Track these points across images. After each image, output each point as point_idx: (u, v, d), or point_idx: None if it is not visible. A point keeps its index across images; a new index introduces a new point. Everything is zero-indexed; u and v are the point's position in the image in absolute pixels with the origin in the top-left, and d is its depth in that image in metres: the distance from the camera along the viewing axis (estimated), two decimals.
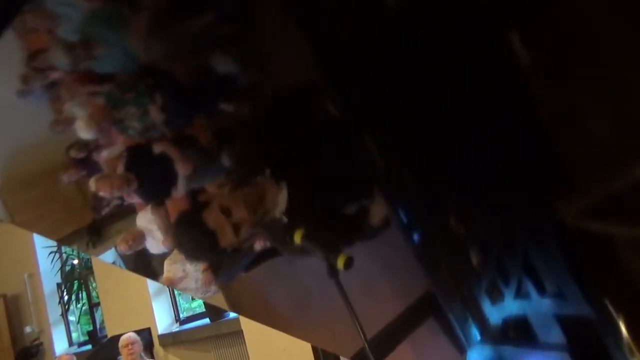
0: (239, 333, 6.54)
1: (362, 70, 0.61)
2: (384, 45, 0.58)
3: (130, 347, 4.65)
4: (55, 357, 6.79)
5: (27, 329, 8.88)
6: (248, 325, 6.33)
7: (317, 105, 0.70)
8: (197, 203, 0.81)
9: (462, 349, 0.85)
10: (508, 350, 0.68)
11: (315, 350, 3.29)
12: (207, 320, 7.15)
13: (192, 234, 0.79)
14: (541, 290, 0.59)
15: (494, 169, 0.59)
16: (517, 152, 0.56)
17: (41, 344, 8.79)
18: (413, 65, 0.59)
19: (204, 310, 7.35)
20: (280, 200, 0.73)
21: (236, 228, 0.76)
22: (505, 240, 0.62)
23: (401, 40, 0.57)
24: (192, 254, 0.85)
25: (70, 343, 8.93)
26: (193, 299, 7.70)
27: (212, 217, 0.76)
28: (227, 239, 0.76)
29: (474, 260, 0.67)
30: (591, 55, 0.53)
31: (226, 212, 0.75)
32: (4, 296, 9.01)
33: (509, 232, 0.60)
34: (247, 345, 6.42)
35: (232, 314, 6.88)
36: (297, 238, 0.71)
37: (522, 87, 0.54)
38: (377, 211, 0.73)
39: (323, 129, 0.71)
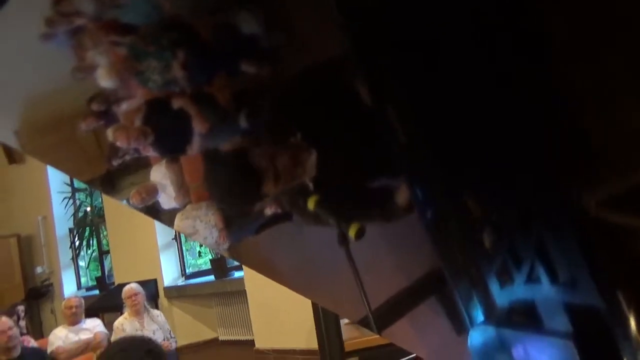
0: (242, 293, 6.67)
1: (391, 42, 0.59)
2: (417, 17, 0.57)
3: (133, 297, 4.76)
4: (64, 298, 7.00)
5: (38, 269, 9.15)
6: (252, 286, 6.45)
7: (343, 76, 0.69)
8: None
9: (460, 329, 0.85)
10: (511, 333, 0.68)
11: (316, 315, 3.34)
12: (212, 278, 7.30)
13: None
14: (553, 277, 0.59)
15: (517, 152, 0.58)
16: (542, 136, 0.55)
17: (51, 284, 9.07)
18: (443, 42, 0.57)
19: (209, 267, 7.50)
20: (309, 166, 0.71)
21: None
22: (521, 224, 0.61)
23: (433, 15, 0.55)
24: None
25: (79, 286, 9.20)
26: (200, 255, 7.84)
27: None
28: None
29: (487, 241, 0.67)
30: (627, 39, 0.51)
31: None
32: (18, 236, 9.25)
33: (526, 216, 0.59)
34: (250, 305, 6.56)
35: (237, 274, 7.01)
36: (311, 204, 0.71)
37: (552, 69, 0.52)
38: (400, 193, 0.72)
39: (347, 100, 0.69)
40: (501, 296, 0.68)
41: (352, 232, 0.72)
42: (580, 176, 0.53)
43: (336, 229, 0.74)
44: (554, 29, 0.53)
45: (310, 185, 0.71)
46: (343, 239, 0.73)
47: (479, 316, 0.74)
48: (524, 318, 0.67)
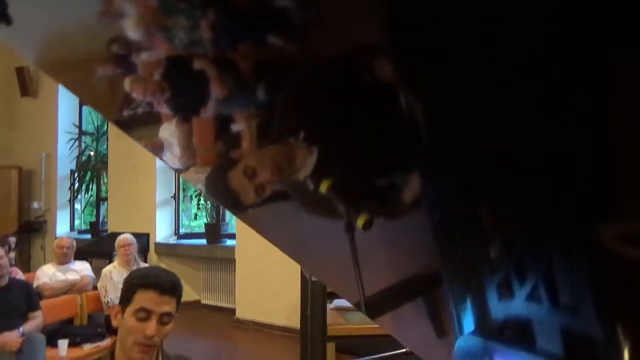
0: (232, 261, 6.73)
1: (435, 39, 0.58)
2: (467, 20, 0.55)
3: (127, 247, 4.81)
4: (56, 237, 7.07)
5: (35, 205, 9.24)
6: (242, 256, 6.51)
7: (373, 66, 0.67)
8: (226, 161, 0.82)
9: (441, 333, 0.86)
10: (499, 347, 0.68)
11: (303, 294, 3.36)
12: (204, 242, 7.36)
13: (217, 192, 0.81)
14: (555, 299, 0.58)
15: (542, 171, 0.57)
16: (572, 160, 0.54)
17: (45, 221, 9.16)
18: (485, 44, 0.56)
19: (203, 231, 7.55)
20: (308, 164, 0.72)
21: (259, 189, 0.77)
22: (533, 243, 0.60)
23: (482, 21, 0.53)
24: (222, 205, 0.88)
25: (72, 228, 9.29)
26: (196, 218, 7.89)
27: (235, 179, 0.77)
28: (248, 199, 0.78)
29: (493, 252, 0.66)
30: None
31: (251, 174, 0.76)
32: (19, 168, 9.32)
33: (540, 236, 0.59)
34: (237, 274, 6.62)
35: (229, 242, 7.06)
36: (324, 187, 0.71)
37: (595, 94, 0.51)
38: (415, 190, 0.72)
39: (371, 91, 0.68)
40: (497, 309, 0.68)
41: (360, 222, 0.72)
42: (603, 206, 0.53)
43: (344, 216, 0.74)
44: (603, 70, 0.52)
45: (327, 169, 0.71)
46: (350, 227, 0.73)
47: (469, 325, 0.74)
48: (516, 335, 0.67)
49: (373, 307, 0.84)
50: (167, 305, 1.55)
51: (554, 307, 0.59)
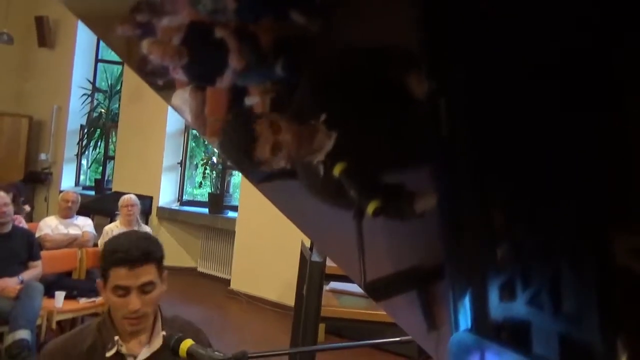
0: (231, 233, 6.77)
1: (458, 30, 0.57)
2: (491, 14, 0.53)
3: (129, 208, 4.85)
4: (61, 191, 7.11)
5: (42, 156, 9.29)
6: (242, 230, 6.54)
7: (398, 55, 0.66)
8: (253, 110, 0.81)
9: (433, 326, 0.86)
10: (494, 348, 0.68)
11: (301, 272, 3.38)
12: (206, 211, 7.39)
13: (238, 132, 0.79)
14: (558, 307, 0.58)
15: (559, 175, 0.56)
16: (593, 170, 0.53)
17: (51, 174, 9.22)
18: (509, 43, 0.54)
19: (206, 200, 7.59)
20: (325, 146, 0.71)
21: (275, 147, 0.76)
22: (543, 249, 0.59)
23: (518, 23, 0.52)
24: (229, 153, 0.85)
25: (77, 183, 9.35)
26: (200, 186, 7.92)
27: (260, 127, 0.75)
28: (262, 152, 0.76)
29: (500, 253, 0.65)
30: None
31: (275, 129, 0.75)
32: (30, 118, 9.35)
33: (551, 243, 0.58)
34: (235, 246, 6.67)
35: (231, 214, 7.10)
36: (337, 170, 0.70)
37: (621, 97, 0.49)
38: (427, 184, 0.71)
39: (394, 79, 0.67)
40: (497, 309, 0.68)
41: (370, 209, 0.71)
42: (618, 217, 0.52)
43: (353, 203, 0.73)
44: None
45: (342, 152, 0.71)
46: (359, 213, 0.73)
47: (466, 322, 0.74)
48: (513, 337, 0.66)
49: (374, 290, 0.85)
50: (144, 275, 1.48)
51: (556, 313, 0.59)
